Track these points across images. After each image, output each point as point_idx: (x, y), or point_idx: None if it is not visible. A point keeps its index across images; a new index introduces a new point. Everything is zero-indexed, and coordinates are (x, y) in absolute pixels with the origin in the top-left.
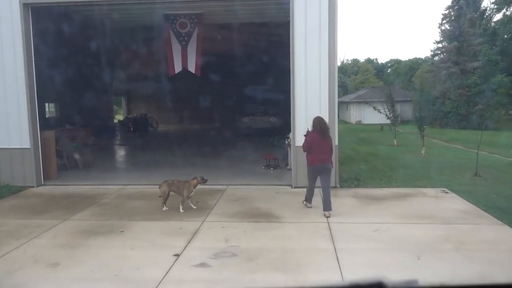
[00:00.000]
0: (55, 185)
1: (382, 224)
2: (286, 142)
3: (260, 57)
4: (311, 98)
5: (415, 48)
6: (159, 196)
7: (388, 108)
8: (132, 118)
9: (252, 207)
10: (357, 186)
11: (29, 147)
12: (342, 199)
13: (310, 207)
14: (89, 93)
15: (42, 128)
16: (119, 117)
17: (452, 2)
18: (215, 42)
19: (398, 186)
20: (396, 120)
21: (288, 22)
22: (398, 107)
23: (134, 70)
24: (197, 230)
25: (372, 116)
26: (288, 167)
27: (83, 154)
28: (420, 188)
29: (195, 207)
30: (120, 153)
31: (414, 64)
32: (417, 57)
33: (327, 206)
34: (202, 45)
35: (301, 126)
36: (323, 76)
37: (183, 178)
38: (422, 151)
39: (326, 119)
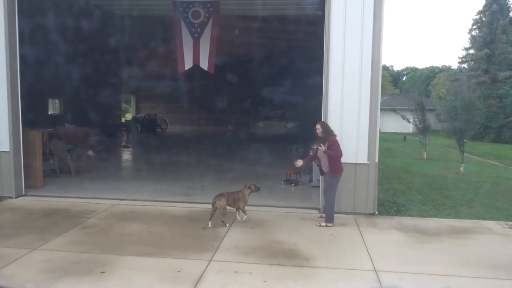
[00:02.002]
0: (38, 196)
1: (451, 277)
2: (311, 154)
3: (279, 56)
4: (348, 105)
5: (432, 56)
6: (211, 214)
7: (418, 117)
8: (141, 118)
9: (273, 240)
10: (398, 212)
11: (8, 150)
12: (386, 233)
13: (331, 226)
14: (96, 90)
15: (41, 126)
16: (129, 116)
17: (484, 7)
18: (231, 37)
19: (449, 215)
20: (428, 131)
21: (317, 15)
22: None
23: (144, 67)
24: (202, 275)
25: (392, 124)
26: (312, 184)
27: (78, 158)
28: (480, 221)
29: (227, 225)
30: (122, 157)
31: (431, 73)
32: (434, 65)
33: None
34: (217, 38)
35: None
36: (364, 79)
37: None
38: (461, 168)
39: (366, 129)
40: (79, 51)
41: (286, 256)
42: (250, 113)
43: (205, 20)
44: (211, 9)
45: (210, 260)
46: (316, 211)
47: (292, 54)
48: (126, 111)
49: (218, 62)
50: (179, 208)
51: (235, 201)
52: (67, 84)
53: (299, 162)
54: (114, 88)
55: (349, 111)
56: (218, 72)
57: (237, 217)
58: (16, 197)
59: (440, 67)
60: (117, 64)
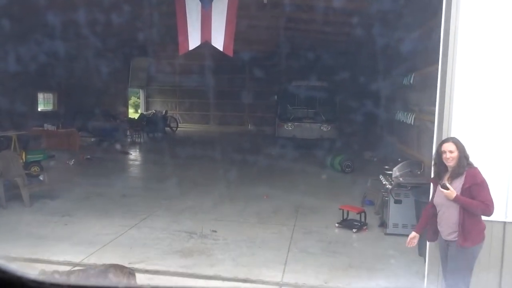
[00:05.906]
0: None
1: None
2: (386, 184)
3: (315, 40)
4: (486, 109)
5: None
6: None
7: None
8: (149, 115)
9: None
10: None
11: None
12: None
13: None
14: (98, 83)
15: (24, 125)
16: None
17: None
18: (254, 12)
19: None
20: None
21: None
22: None
23: (155, 57)
24: None
25: None
26: (386, 231)
27: (44, 174)
28: None
29: None
30: (113, 169)
31: None
32: None
33: None
34: (237, 9)
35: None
36: None
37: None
38: None
39: None
40: (75, 36)
41: None
42: (276, 112)
43: None
44: None
45: None
46: None
47: (333, 36)
48: (139, 107)
49: (239, 51)
50: None
51: None
52: (61, 76)
53: (415, 239)
54: (119, 81)
55: (489, 121)
56: (239, 61)
57: None
58: None
59: None
60: (123, 53)
